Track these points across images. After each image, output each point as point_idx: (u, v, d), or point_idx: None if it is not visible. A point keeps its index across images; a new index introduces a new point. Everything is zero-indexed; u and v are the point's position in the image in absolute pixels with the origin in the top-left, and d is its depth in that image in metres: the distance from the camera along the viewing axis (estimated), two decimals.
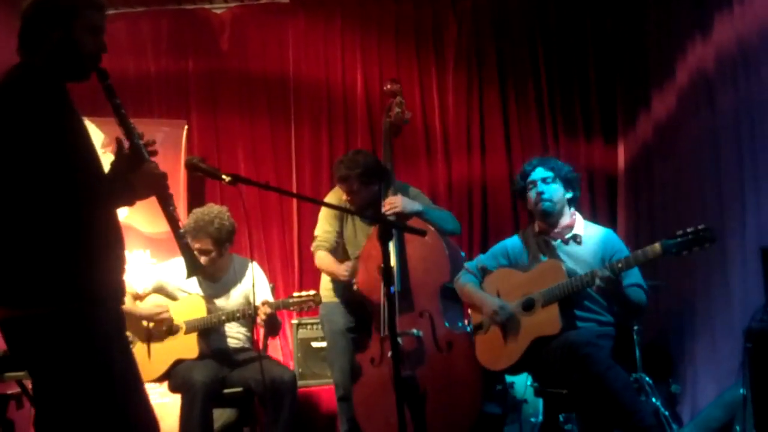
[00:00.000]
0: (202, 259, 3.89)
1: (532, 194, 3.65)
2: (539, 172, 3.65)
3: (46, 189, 2.15)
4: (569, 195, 3.66)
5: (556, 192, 3.62)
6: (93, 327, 2.22)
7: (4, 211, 2.20)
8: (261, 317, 3.91)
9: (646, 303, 3.50)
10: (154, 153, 2.47)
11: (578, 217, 3.69)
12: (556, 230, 3.64)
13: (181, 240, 2.54)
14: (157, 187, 2.39)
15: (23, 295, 2.19)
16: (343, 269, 4.11)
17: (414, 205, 4.00)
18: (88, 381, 2.20)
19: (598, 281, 3.27)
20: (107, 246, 2.32)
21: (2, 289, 2.21)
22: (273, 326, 4.08)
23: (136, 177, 2.34)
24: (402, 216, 3.92)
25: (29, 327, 2.19)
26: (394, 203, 3.93)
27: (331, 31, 5.92)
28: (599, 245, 3.58)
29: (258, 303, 3.93)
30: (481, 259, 3.85)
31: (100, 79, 2.41)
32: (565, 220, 3.65)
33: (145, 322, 3.96)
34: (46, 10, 2.31)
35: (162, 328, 3.94)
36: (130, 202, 2.38)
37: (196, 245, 3.90)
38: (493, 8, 5.85)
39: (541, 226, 3.68)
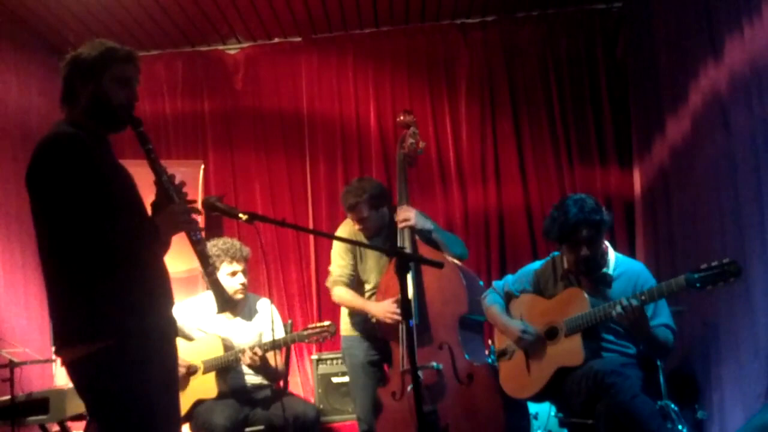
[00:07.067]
0: (239, 283, 4.04)
1: (571, 255, 3.46)
2: (584, 234, 3.37)
3: (76, 233, 2.25)
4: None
5: (599, 249, 3.45)
6: (131, 360, 2.30)
7: (46, 258, 2.35)
8: (245, 360, 3.91)
9: (672, 344, 3.39)
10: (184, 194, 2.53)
11: (610, 252, 3.54)
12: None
13: (211, 276, 2.61)
14: (177, 226, 2.43)
15: (69, 335, 2.31)
16: (383, 309, 3.94)
17: (426, 223, 4.01)
18: (128, 414, 2.28)
19: (618, 308, 3.19)
20: (144, 282, 2.39)
21: (60, 330, 2.34)
22: (268, 374, 4.05)
23: (159, 217, 2.42)
24: (413, 231, 3.94)
25: (80, 364, 2.30)
26: (407, 216, 3.95)
27: (343, 67, 6.00)
28: (629, 285, 3.44)
29: (250, 346, 3.93)
30: (508, 282, 3.78)
31: (133, 126, 2.51)
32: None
33: None
34: (78, 67, 2.46)
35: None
36: (160, 241, 2.43)
37: (236, 267, 4.03)
38: (504, 37, 5.90)
39: (571, 267, 3.55)
